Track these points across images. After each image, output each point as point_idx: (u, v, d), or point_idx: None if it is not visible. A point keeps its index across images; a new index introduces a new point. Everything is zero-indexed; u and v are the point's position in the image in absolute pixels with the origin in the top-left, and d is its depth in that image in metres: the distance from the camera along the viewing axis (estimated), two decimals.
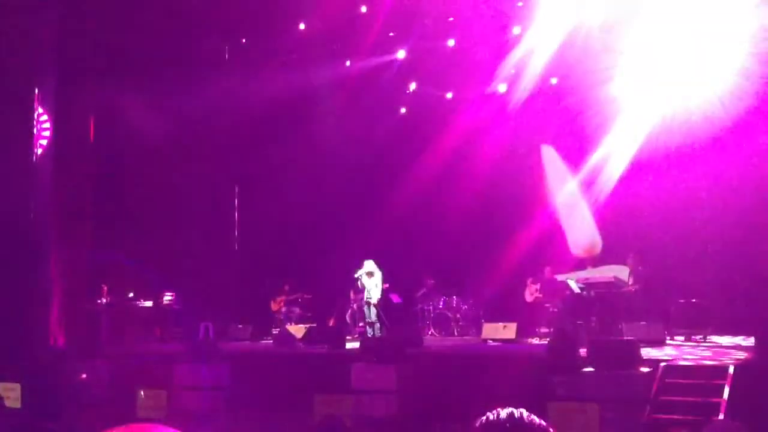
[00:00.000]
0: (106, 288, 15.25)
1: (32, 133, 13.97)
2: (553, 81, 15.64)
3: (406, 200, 17.20)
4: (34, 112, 14.00)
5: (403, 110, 17.82)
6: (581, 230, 15.54)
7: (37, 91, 14.10)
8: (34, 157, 14.07)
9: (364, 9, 15.28)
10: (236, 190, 17.83)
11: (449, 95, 17.02)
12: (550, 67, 15.29)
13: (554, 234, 15.76)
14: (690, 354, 9.83)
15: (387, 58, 16.40)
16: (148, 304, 15.65)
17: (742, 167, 9.76)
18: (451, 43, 15.87)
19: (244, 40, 16.96)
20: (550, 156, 16.23)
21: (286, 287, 16.23)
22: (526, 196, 15.82)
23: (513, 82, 16.21)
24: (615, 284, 12.70)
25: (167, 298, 15.83)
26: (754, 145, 9.93)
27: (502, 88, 16.43)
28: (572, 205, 15.77)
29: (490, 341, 12.35)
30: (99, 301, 15.03)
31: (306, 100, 16.75)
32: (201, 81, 15.62)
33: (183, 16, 14.95)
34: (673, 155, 14.23)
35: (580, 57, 14.25)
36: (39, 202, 14.05)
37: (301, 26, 15.85)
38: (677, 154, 14.17)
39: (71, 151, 14.71)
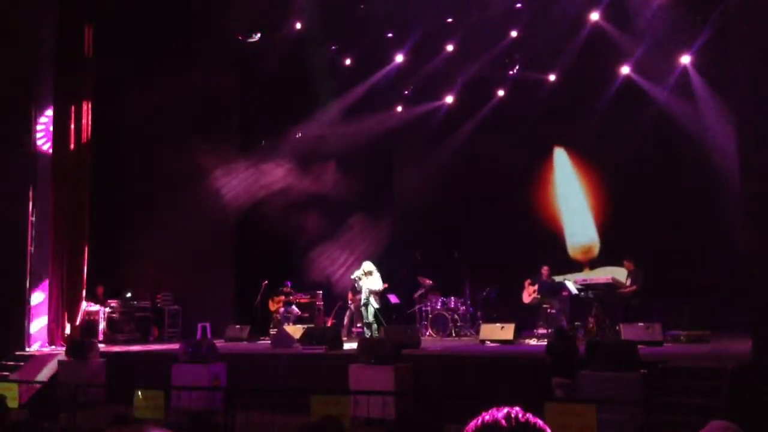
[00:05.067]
0: (103, 288, 15.25)
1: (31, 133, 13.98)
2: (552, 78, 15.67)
3: (404, 201, 17.22)
4: (32, 112, 14.01)
5: (399, 109, 17.81)
6: (580, 232, 15.56)
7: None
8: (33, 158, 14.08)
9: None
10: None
11: (449, 99, 17.02)
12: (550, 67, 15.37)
13: (553, 235, 15.78)
14: (688, 355, 9.82)
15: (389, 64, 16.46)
16: (146, 304, 15.64)
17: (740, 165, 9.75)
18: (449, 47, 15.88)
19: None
20: (560, 158, 16.25)
21: (285, 288, 16.23)
22: (525, 198, 15.83)
23: (513, 83, 16.25)
24: (613, 285, 12.70)
25: (165, 298, 15.83)
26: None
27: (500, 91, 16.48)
28: (575, 206, 15.79)
29: (488, 342, 12.33)
30: (96, 302, 15.03)
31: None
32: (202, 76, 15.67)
33: None
34: (672, 155, 14.27)
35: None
36: (38, 202, 14.06)
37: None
38: (675, 154, 14.21)
39: (71, 150, 14.73)
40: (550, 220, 15.99)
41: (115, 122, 15.69)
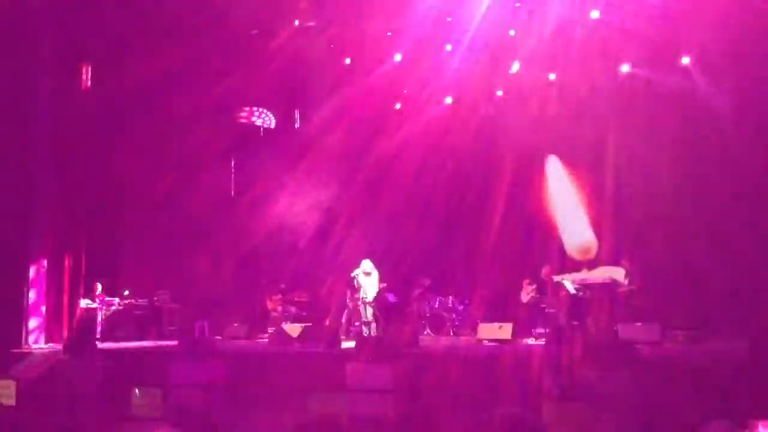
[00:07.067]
0: (100, 286, 15.22)
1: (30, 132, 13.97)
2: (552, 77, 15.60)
3: (403, 200, 17.21)
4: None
5: (398, 105, 17.78)
6: (578, 234, 15.53)
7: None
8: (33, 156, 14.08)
9: None
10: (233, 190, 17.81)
11: (449, 100, 16.96)
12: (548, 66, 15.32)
13: (551, 235, 15.76)
14: (685, 354, 9.84)
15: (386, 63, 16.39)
16: (144, 302, 15.62)
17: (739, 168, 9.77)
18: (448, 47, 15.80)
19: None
20: (553, 165, 16.19)
21: (283, 286, 16.21)
22: (524, 197, 15.81)
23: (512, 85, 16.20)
24: (611, 285, 12.71)
25: (162, 296, 15.81)
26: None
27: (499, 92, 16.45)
28: (570, 210, 15.75)
29: (486, 341, 12.34)
30: (94, 299, 15.02)
31: None
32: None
33: None
34: (670, 155, 14.26)
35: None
36: (37, 201, 14.05)
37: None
38: (674, 154, 14.20)
39: (70, 149, 14.71)
40: (548, 221, 15.96)
41: (114, 120, 15.65)
